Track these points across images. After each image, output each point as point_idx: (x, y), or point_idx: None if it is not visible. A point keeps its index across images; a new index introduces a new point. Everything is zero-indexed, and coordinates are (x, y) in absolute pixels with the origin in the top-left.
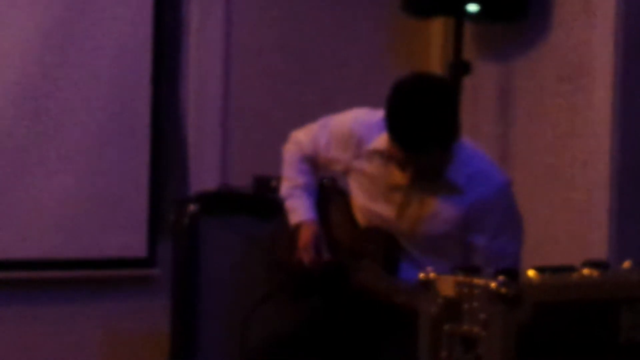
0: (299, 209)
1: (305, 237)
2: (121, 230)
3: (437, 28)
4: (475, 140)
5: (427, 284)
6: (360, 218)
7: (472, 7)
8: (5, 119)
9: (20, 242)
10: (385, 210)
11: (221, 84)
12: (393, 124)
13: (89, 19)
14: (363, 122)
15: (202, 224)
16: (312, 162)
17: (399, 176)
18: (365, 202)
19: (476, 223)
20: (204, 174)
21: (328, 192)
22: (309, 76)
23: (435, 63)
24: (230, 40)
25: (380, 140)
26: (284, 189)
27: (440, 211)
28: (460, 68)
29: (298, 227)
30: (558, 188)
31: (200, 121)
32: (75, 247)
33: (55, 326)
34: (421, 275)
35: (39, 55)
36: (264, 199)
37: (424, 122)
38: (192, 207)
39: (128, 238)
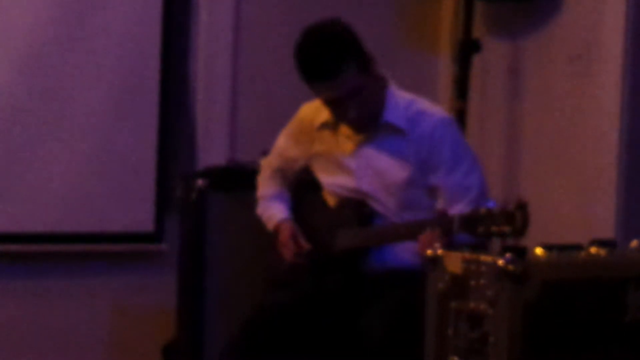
0: (272, 216)
1: (282, 235)
2: (128, 205)
3: (448, 6)
4: (483, 119)
5: (434, 261)
6: (330, 199)
7: None
8: (15, 93)
9: (28, 216)
10: (346, 179)
11: (230, 59)
12: (300, 64)
13: None
14: (308, 106)
15: (209, 199)
16: (282, 173)
17: (347, 142)
18: (329, 180)
19: (429, 162)
20: (212, 149)
21: (300, 192)
22: None
23: (445, 41)
24: (240, 15)
25: (323, 115)
26: (259, 207)
27: (391, 158)
28: (470, 46)
29: (276, 232)
30: (566, 167)
31: (208, 96)
32: (83, 222)
33: (61, 300)
34: (428, 251)
35: (49, 30)
36: None
37: (321, 43)
38: (199, 182)
39: (135, 213)
